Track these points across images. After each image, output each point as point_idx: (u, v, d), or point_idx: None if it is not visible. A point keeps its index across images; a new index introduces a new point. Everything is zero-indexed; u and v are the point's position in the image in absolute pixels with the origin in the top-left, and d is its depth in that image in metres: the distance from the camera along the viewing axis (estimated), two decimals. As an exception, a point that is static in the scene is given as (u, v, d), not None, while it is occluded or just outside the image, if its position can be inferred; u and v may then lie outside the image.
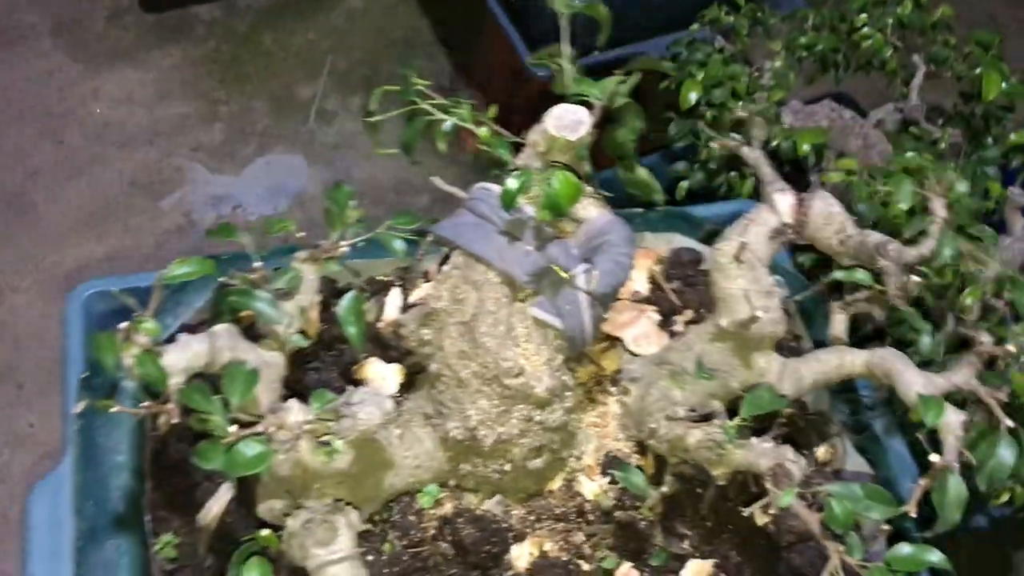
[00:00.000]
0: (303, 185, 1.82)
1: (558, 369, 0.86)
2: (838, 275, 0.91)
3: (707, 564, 0.93)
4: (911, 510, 0.78)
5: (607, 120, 1.19)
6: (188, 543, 0.91)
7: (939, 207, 0.92)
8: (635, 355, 1.02)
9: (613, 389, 0.99)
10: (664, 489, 0.89)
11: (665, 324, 1.07)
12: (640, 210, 1.20)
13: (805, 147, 1.14)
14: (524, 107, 1.86)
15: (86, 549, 0.92)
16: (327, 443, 0.74)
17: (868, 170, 1.01)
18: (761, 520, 0.94)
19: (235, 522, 0.90)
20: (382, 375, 0.98)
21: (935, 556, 0.74)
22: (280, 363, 0.86)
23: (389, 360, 1.00)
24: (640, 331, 1.04)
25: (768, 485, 0.81)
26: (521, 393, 0.84)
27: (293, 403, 0.77)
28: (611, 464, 0.94)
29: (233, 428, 0.71)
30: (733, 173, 1.26)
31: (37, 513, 0.99)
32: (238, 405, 0.75)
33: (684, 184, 1.27)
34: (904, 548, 0.74)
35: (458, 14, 2.01)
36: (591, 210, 0.87)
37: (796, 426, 1.03)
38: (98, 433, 0.98)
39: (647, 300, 1.09)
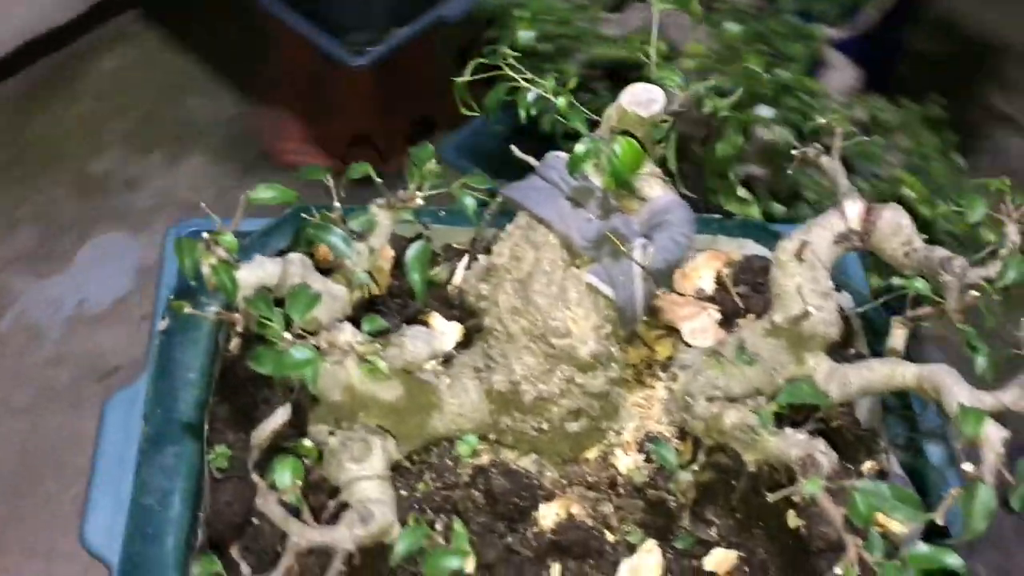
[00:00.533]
0: (138, 258, 1.73)
1: (605, 337, 0.89)
2: (896, 281, 0.91)
3: (732, 554, 0.93)
4: (939, 518, 0.78)
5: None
6: (239, 457, 0.96)
7: (1013, 232, 0.92)
8: (690, 347, 1.04)
9: (663, 374, 1.01)
10: (695, 468, 0.90)
11: (725, 324, 1.08)
12: (719, 216, 1.22)
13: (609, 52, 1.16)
14: (343, 105, 1.83)
15: (149, 452, 0.99)
16: (371, 363, 0.79)
17: (714, 53, 1.06)
18: (793, 522, 0.95)
19: (286, 444, 0.95)
20: (442, 331, 1.03)
21: (953, 559, 0.74)
22: (345, 297, 0.91)
23: (450, 319, 1.04)
24: (699, 325, 1.06)
25: (797, 475, 0.82)
26: (565, 353, 0.87)
27: (347, 325, 0.82)
28: (649, 442, 0.96)
29: (288, 336, 0.76)
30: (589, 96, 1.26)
31: (112, 419, 1.07)
32: (298, 322, 0.81)
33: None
34: (922, 547, 0.74)
35: (228, 43, 1.96)
36: (656, 189, 0.90)
37: (845, 440, 1.02)
38: (176, 350, 1.05)
39: (711, 299, 1.11)
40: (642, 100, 0.86)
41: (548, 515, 0.92)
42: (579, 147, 0.83)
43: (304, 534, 0.72)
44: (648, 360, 1.02)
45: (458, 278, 1.09)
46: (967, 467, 0.77)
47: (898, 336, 0.97)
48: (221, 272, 0.81)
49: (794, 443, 0.83)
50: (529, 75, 0.93)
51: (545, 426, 0.91)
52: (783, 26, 1.21)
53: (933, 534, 0.90)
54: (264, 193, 0.86)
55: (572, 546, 0.90)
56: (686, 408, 0.91)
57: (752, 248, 1.17)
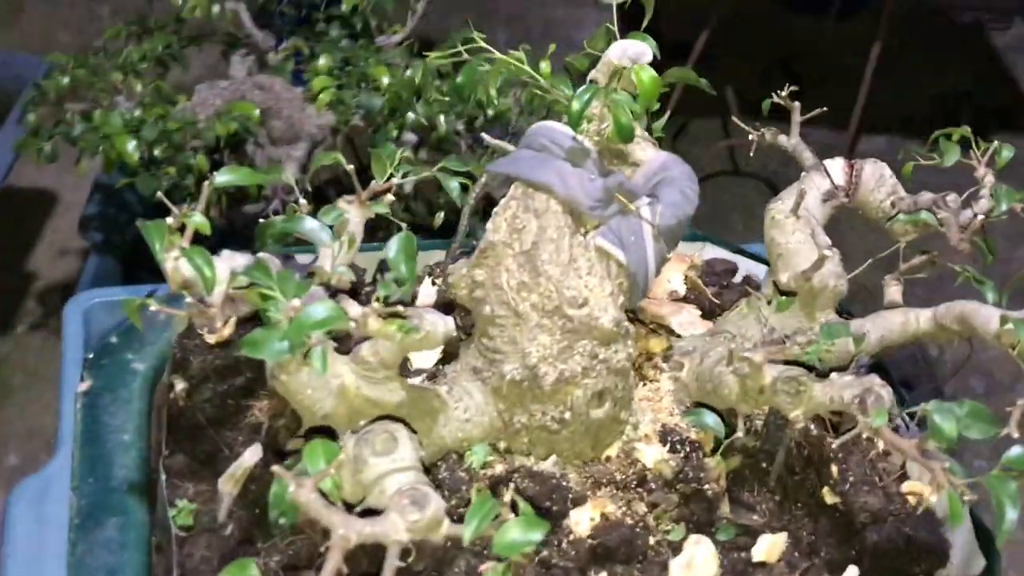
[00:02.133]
0: None
1: (620, 307, 0.81)
2: (901, 219, 0.89)
3: (780, 538, 0.84)
4: (1013, 431, 0.73)
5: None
6: (205, 510, 0.80)
7: (987, 173, 0.93)
8: (682, 338, 0.97)
9: (664, 366, 0.93)
10: (739, 438, 0.82)
11: (707, 318, 1.03)
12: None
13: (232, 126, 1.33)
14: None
15: (85, 527, 0.81)
16: (398, 318, 0.67)
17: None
18: (830, 499, 0.88)
19: (260, 488, 0.80)
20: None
21: (1055, 455, 0.68)
22: (324, 296, 0.80)
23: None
24: (685, 319, 1.00)
25: (856, 415, 0.75)
26: (585, 326, 0.79)
27: (351, 301, 0.70)
28: (669, 434, 0.87)
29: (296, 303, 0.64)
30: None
31: (18, 512, 0.89)
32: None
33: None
34: (1017, 449, 0.68)
35: None
36: (649, 151, 0.85)
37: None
38: (103, 413, 0.89)
39: (685, 299, 1.06)
40: (631, 55, 0.82)
41: (582, 520, 0.81)
42: (575, 102, 0.77)
43: (351, 526, 0.58)
44: (646, 354, 0.94)
45: (421, 298, 0.99)
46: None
47: (893, 291, 0.94)
48: (196, 257, 0.68)
49: (844, 385, 0.77)
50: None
51: (568, 415, 0.81)
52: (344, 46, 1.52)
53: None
54: (226, 176, 0.75)
55: (615, 550, 0.79)
56: (715, 384, 0.83)
57: (711, 251, 1.15)
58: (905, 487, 0.91)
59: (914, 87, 2.64)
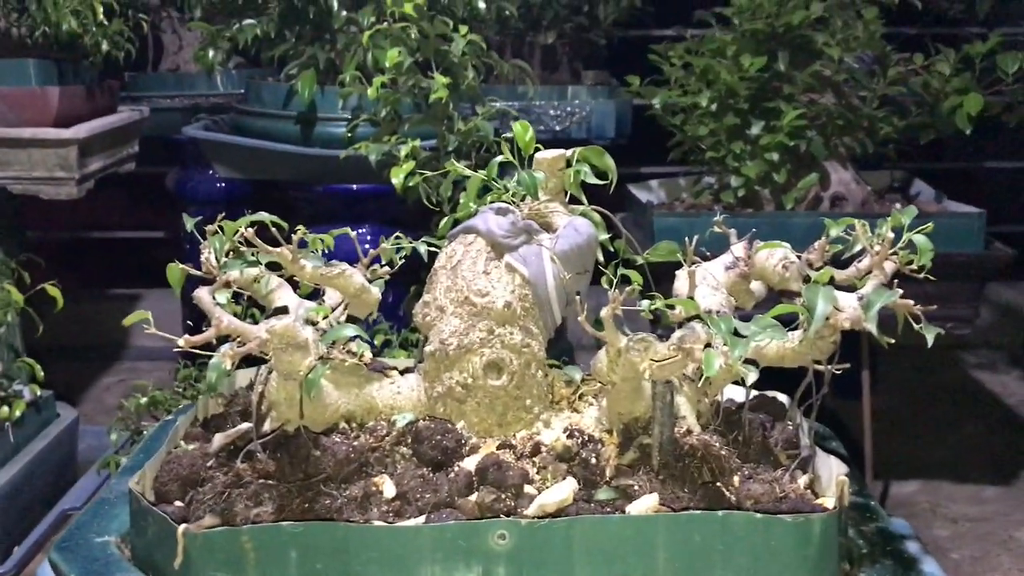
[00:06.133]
0: None
1: (524, 310, 1.04)
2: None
3: (653, 499, 0.92)
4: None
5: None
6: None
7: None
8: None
9: (592, 400, 1.09)
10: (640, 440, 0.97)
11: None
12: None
13: None
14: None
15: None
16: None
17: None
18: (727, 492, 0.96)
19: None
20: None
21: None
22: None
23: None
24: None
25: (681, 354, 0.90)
26: (486, 309, 1.02)
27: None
28: (575, 431, 1.02)
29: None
30: None
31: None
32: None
33: None
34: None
35: None
36: (563, 218, 1.13)
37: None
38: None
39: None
40: (550, 154, 1.15)
41: (471, 462, 0.96)
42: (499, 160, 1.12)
43: (227, 320, 0.84)
44: (579, 394, 1.11)
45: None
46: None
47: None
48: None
49: (676, 334, 0.92)
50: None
51: (470, 380, 1.01)
52: None
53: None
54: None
55: (486, 472, 0.93)
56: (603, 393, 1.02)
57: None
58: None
59: None
